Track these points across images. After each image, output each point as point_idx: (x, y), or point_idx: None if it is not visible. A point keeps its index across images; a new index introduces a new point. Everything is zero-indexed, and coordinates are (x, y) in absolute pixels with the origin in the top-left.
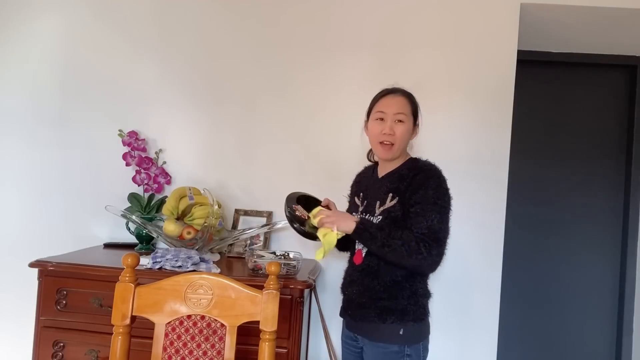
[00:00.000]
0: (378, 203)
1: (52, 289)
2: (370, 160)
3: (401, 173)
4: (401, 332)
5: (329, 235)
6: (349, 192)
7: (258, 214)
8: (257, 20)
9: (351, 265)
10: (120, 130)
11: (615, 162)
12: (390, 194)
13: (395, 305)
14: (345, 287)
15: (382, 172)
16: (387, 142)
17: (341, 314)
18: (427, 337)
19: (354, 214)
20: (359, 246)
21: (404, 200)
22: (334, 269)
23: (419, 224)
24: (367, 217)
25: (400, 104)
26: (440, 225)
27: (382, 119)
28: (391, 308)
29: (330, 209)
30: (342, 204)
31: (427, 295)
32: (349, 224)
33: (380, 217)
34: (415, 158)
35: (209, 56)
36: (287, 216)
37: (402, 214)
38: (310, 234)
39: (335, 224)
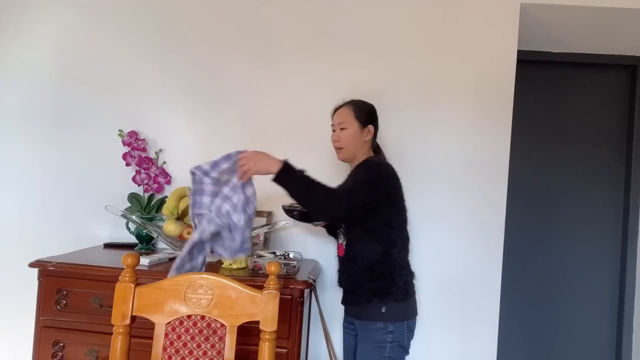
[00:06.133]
0: None
1: (52, 289)
2: None
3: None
4: (383, 310)
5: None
6: None
7: (258, 214)
8: (257, 20)
9: (337, 259)
10: (120, 130)
11: (615, 162)
12: None
13: (376, 287)
14: (338, 279)
15: None
16: (337, 147)
17: (342, 302)
18: (413, 319)
19: None
20: (340, 240)
21: None
22: (334, 269)
23: (343, 184)
24: None
25: (343, 114)
26: (361, 190)
27: (333, 130)
28: (372, 289)
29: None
30: None
31: (403, 275)
32: (270, 164)
33: None
34: (372, 157)
35: (209, 56)
36: (285, 210)
37: None
38: (307, 216)
39: (251, 170)
